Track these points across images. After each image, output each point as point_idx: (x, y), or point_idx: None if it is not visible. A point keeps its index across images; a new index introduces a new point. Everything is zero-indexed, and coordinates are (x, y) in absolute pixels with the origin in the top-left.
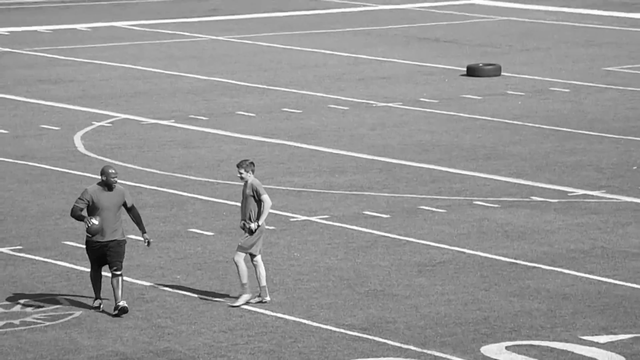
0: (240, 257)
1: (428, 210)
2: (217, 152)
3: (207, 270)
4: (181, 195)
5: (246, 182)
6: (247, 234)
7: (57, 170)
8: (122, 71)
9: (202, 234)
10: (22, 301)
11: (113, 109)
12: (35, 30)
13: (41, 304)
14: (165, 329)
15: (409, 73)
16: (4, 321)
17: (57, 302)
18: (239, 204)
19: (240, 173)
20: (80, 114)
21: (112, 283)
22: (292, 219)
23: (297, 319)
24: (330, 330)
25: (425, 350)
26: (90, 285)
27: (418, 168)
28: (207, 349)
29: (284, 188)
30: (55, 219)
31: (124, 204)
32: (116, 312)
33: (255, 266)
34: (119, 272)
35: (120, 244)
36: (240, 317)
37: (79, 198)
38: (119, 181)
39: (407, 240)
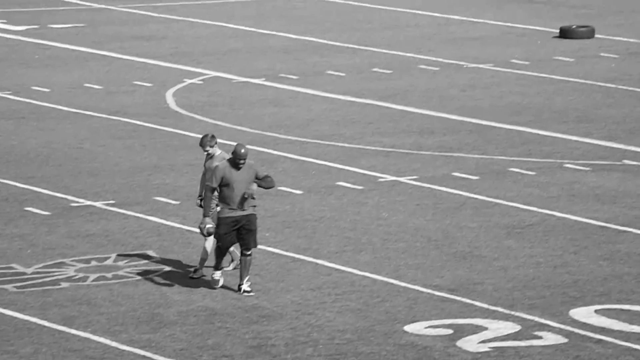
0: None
1: (518, 172)
2: (307, 111)
3: (295, 228)
4: (271, 153)
5: (213, 155)
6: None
7: (149, 127)
8: (214, 29)
9: (291, 192)
10: (114, 255)
11: (204, 67)
12: None
13: (133, 257)
14: (253, 286)
15: (500, 34)
16: (97, 274)
17: (148, 257)
18: (328, 163)
19: (207, 150)
20: (172, 71)
21: (240, 261)
22: (380, 179)
23: (385, 279)
24: (418, 290)
25: (513, 312)
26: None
27: (508, 130)
28: (294, 307)
29: (372, 148)
30: (147, 174)
31: (256, 178)
32: (238, 291)
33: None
34: (249, 253)
35: (253, 219)
36: (327, 276)
37: (211, 175)
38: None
39: (496, 202)
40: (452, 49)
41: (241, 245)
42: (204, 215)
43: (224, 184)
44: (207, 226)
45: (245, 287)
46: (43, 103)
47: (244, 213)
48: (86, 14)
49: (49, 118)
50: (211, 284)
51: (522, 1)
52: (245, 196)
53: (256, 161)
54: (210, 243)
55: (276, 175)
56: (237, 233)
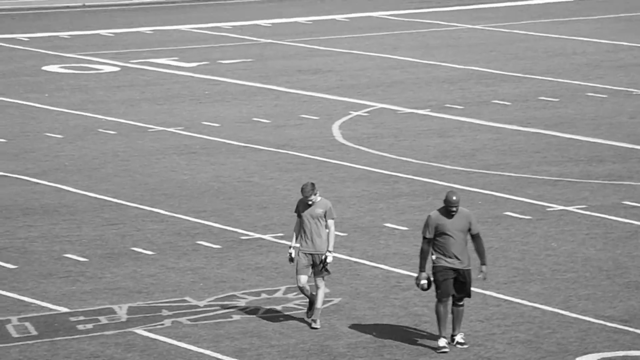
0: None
1: None
2: (473, 141)
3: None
4: (437, 184)
5: (315, 202)
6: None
7: (316, 159)
8: (379, 61)
9: None
10: (283, 287)
11: (370, 99)
12: (296, 22)
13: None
14: (422, 317)
15: None
16: (267, 306)
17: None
18: (495, 193)
19: (310, 200)
20: (338, 104)
21: (452, 312)
22: (548, 209)
23: (555, 310)
24: (589, 321)
25: None
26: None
27: None
28: (464, 337)
29: (540, 177)
30: None
31: (469, 230)
32: (451, 343)
33: (318, 288)
34: (461, 303)
35: (470, 273)
36: (497, 307)
37: (424, 226)
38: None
39: None
40: (621, 75)
41: (453, 296)
42: (420, 270)
43: (438, 234)
44: (422, 282)
45: (458, 338)
46: (213, 138)
47: (462, 266)
48: (254, 49)
49: (219, 152)
50: (437, 350)
51: None
52: (483, 278)
53: (422, 192)
54: (322, 293)
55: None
56: (453, 284)
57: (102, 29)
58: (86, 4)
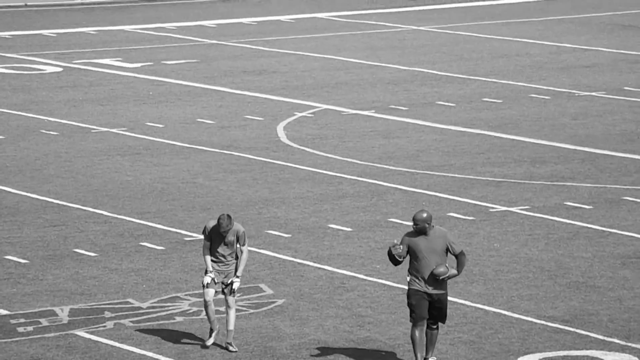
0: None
1: (632, 201)
2: (417, 142)
3: (407, 260)
4: (381, 185)
5: (229, 229)
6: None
7: (261, 160)
8: (324, 62)
9: (402, 223)
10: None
11: (315, 100)
12: (241, 22)
13: (245, 291)
14: (365, 318)
15: (613, 62)
16: None
17: (260, 290)
18: (439, 194)
19: (227, 230)
20: (282, 105)
21: (426, 334)
22: (491, 210)
23: (497, 310)
24: (531, 321)
25: (629, 344)
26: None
27: (622, 158)
28: (407, 339)
29: (483, 178)
30: (259, 208)
31: (448, 250)
32: None
33: (230, 308)
34: (435, 327)
35: (444, 298)
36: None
37: (396, 244)
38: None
39: (610, 232)
40: (564, 77)
41: (428, 319)
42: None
43: (411, 254)
44: (399, 246)
45: None
46: (157, 139)
47: (435, 292)
48: (199, 50)
49: (163, 154)
50: None
51: (635, 28)
52: (437, 277)
53: (366, 192)
54: (232, 314)
55: (386, 206)
56: (428, 308)
57: (45, 29)
58: (28, 3)
